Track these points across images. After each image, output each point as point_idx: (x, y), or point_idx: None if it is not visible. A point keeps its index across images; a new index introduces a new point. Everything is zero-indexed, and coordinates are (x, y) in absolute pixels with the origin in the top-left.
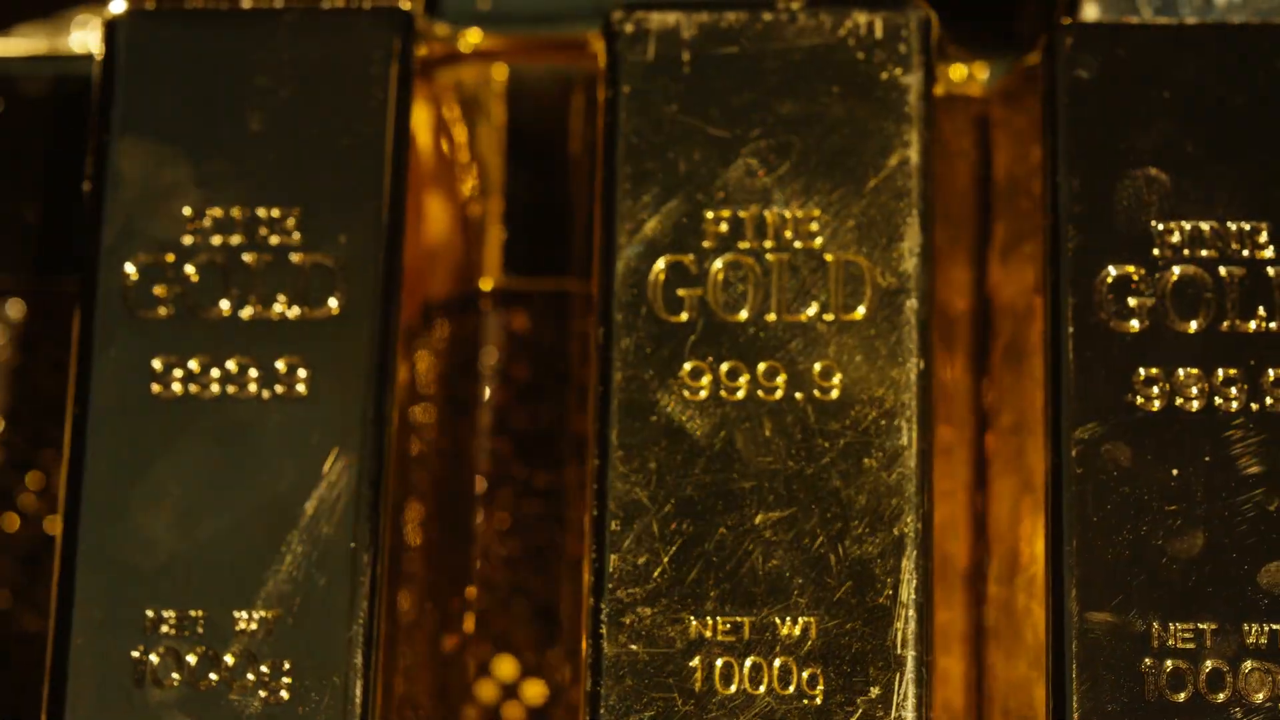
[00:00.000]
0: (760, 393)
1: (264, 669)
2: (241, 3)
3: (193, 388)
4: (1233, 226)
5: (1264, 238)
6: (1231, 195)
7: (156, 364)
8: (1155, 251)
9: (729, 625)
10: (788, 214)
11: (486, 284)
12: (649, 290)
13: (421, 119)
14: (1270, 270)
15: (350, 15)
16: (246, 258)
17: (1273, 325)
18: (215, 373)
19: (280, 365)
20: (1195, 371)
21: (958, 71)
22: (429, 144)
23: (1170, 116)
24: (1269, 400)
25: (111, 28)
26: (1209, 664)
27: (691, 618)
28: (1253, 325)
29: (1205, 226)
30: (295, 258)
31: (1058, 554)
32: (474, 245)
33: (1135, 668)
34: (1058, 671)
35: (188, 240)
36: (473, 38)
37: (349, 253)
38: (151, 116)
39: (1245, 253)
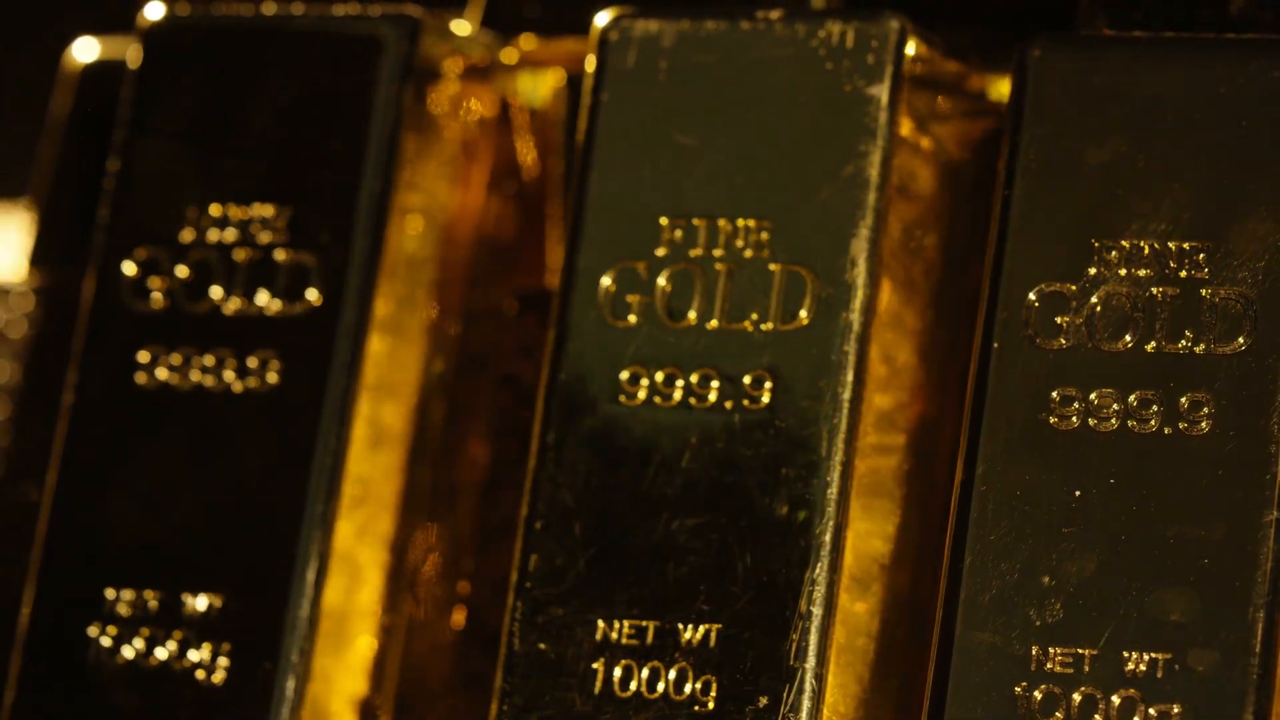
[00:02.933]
0: (693, 400)
1: (204, 653)
2: (263, 8)
3: (173, 379)
4: (1173, 246)
5: (1203, 258)
6: (1178, 215)
7: (143, 355)
8: (1092, 270)
9: (634, 629)
10: (740, 223)
11: (550, 283)
12: (600, 295)
13: (480, 123)
14: (1204, 292)
15: (356, 21)
16: (238, 254)
17: (1197, 349)
18: (195, 365)
19: (255, 359)
20: (1111, 392)
21: (984, 83)
22: (489, 147)
23: (1128, 133)
24: (1182, 425)
25: (145, 35)
26: (1084, 690)
27: (600, 620)
28: (1178, 347)
29: (1145, 246)
30: (280, 255)
31: (955, 571)
32: (538, 246)
33: (1010, 690)
34: (937, 690)
35: (187, 237)
36: (526, 44)
37: (330, 251)
38: (170, 117)
39: (1183, 273)
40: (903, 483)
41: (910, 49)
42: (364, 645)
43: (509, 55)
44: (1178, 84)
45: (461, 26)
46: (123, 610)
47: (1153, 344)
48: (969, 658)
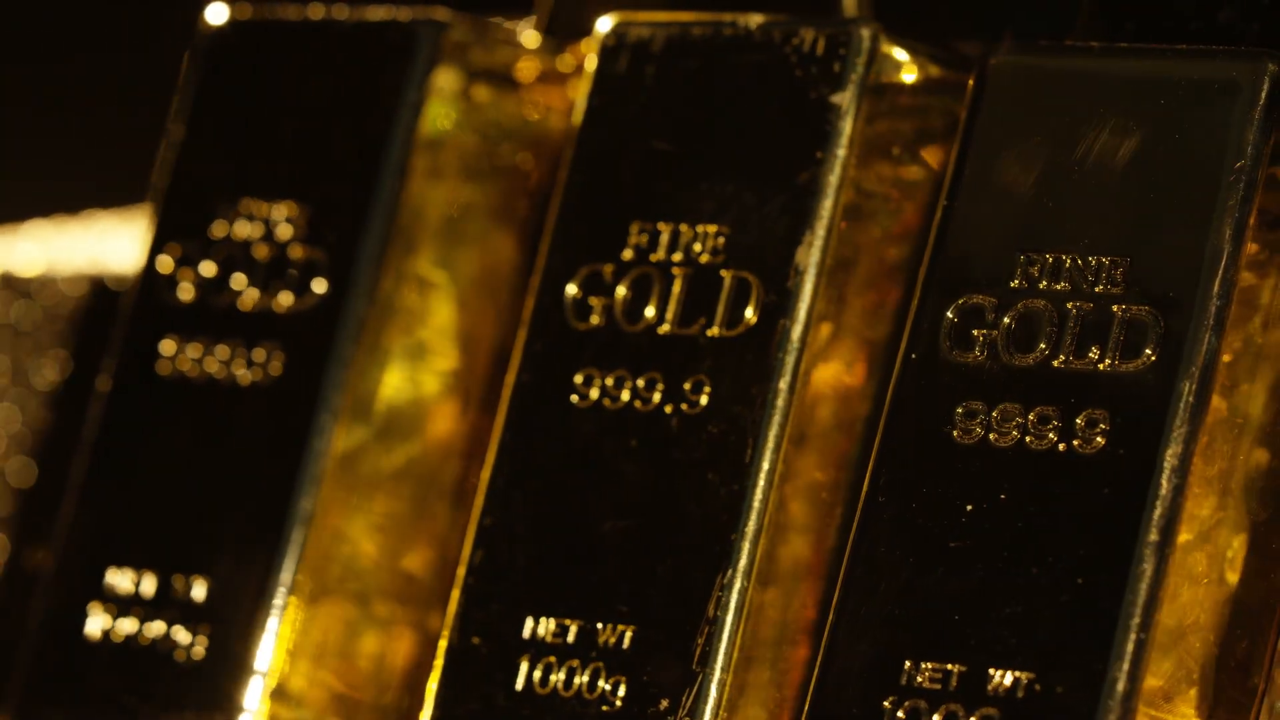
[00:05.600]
0: (638, 403)
1: (187, 634)
2: (311, 10)
3: (191, 370)
4: (1094, 261)
5: (1121, 273)
6: (1102, 229)
7: (167, 347)
8: (1015, 283)
9: (558, 629)
10: (700, 228)
11: None
12: (566, 297)
13: (522, 126)
14: (1116, 308)
15: (385, 25)
16: (259, 251)
17: (1101, 365)
18: (209, 357)
19: (263, 352)
20: (1015, 407)
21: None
22: (532, 150)
23: (1070, 144)
24: (1076, 442)
25: (207, 37)
26: (947, 707)
27: (529, 617)
28: (1083, 363)
29: (1068, 259)
30: (295, 251)
31: (846, 580)
32: None
33: (878, 703)
34: (814, 699)
35: (218, 233)
36: (588, 49)
37: (338, 249)
38: (220, 116)
39: (1098, 288)
40: (841, 491)
41: (884, 58)
42: (366, 636)
43: (565, 61)
44: (1120, 96)
45: (506, 32)
46: (122, 590)
47: (1059, 359)
48: (845, 668)
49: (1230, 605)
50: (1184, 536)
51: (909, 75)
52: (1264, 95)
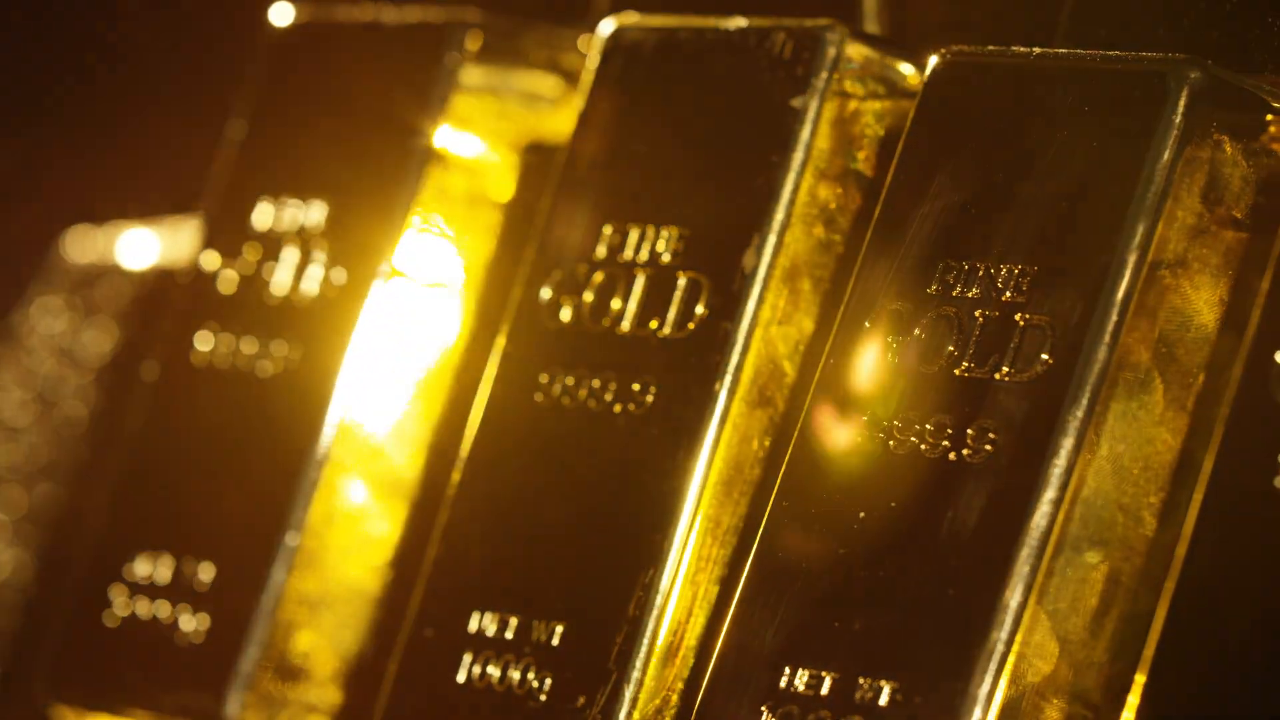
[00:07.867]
0: (592, 402)
1: (193, 615)
2: (359, 14)
3: (217, 361)
4: (1005, 269)
5: (1028, 283)
6: (1018, 237)
7: (201, 339)
8: (931, 289)
9: (499, 624)
10: (665, 230)
11: None
12: (540, 296)
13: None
14: (1017, 316)
15: (416, 26)
16: (289, 241)
17: (997, 374)
18: (238, 350)
19: (279, 344)
20: (915, 414)
21: None
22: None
23: (997, 151)
24: (965, 451)
25: (272, 36)
26: (817, 714)
27: (475, 612)
28: (982, 372)
29: (982, 268)
30: (321, 246)
31: (747, 586)
32: None
33: (758, 708)
34: (701, 700)
35: (259, 229)
36: None
37: (360, 243)
38: (275, 114)
39: (1005, 297)
40: None
41: (850, 62)
42: (372, 623)
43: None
44: (1044, 101)
45: (543, 32)
46: (138, 575)
47: (960, 368)
48: (736, 671)
49: (1109, 622)
50: (1094, 554)
51: (881, 80)
52: (1181, 102)
